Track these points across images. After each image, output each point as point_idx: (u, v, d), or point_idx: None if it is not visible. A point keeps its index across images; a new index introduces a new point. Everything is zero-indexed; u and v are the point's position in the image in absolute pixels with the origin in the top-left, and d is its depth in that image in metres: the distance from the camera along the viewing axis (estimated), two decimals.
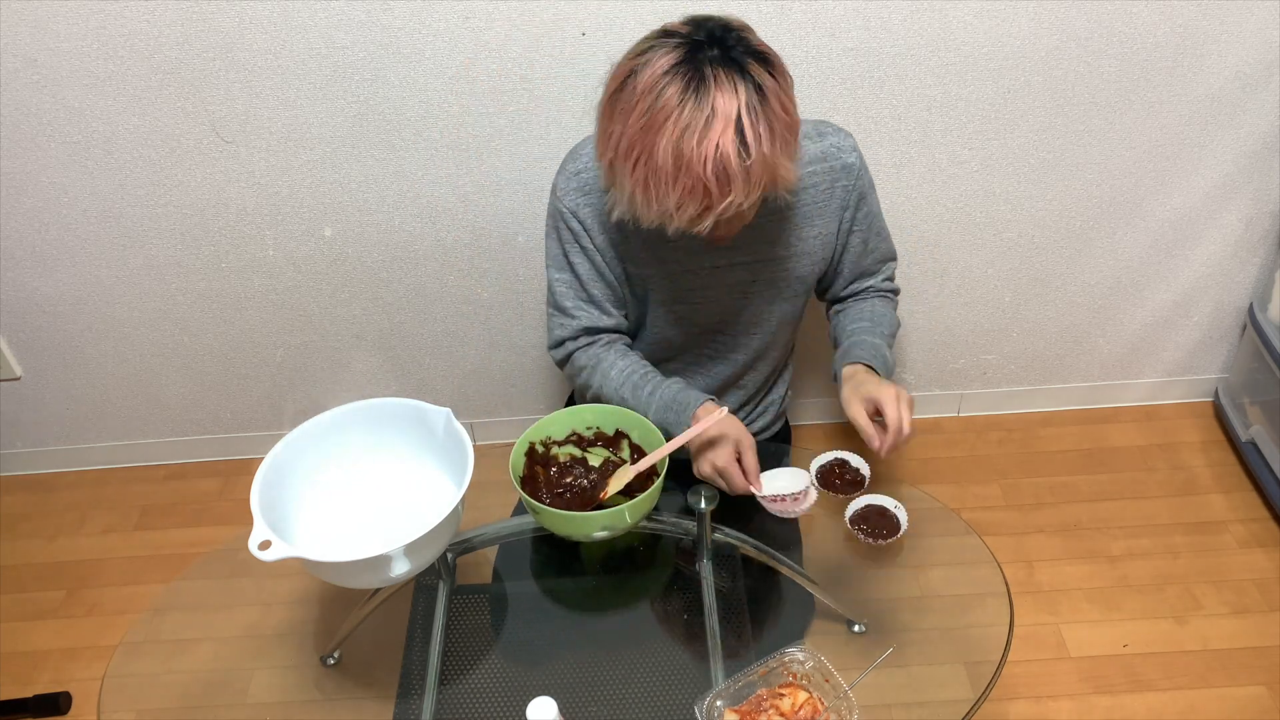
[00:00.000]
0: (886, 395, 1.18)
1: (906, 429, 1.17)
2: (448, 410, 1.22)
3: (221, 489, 2.23)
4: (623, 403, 1.33)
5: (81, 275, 1.93)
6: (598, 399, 1.37)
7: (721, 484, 1.25)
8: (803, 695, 1.05)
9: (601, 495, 1.25)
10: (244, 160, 1.77)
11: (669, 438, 1.24)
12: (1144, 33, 1.65)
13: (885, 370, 1.28)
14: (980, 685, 1.09)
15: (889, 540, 1.23)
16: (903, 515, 1.24)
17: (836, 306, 1.45)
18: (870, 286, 1.43)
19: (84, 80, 1.66)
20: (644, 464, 1.23)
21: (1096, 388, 2.21)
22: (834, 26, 1.63)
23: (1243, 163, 1.83)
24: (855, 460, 1.32)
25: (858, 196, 1.32)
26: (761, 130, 1.04)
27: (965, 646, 1.20)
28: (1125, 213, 1.90)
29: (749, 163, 1.04)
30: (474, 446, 1.17)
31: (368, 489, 1.27)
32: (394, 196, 1.83)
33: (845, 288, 1.42)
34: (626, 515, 1.18)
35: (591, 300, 1.37)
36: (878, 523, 1.24)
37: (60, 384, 2.12)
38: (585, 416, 1.31)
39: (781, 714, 1.04)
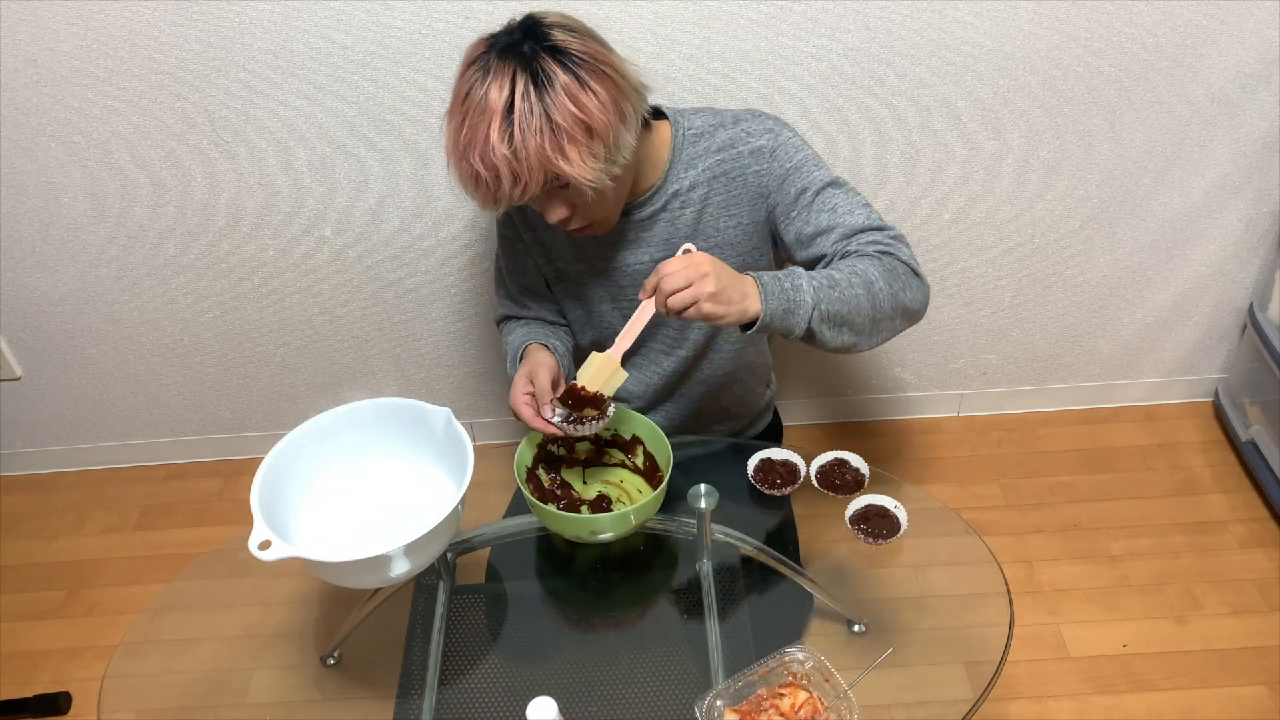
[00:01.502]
0: (690, 258, 1.07)
1: (662, 286, 1.07)
2: (448, 410, 1.22)
3: (221, 489, 2.23)
4: (508, 363, 1.42)
5: (81, 275, 1.93)
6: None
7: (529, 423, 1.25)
8: (803, 695, 1.05)
9: (583, 391, 1.20)
10: (244, 160, 1.77)
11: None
12: (1144, 33, 1.65)
13: (778, 300, 1.09)
14: (980, 685, 1.09)
15: (889, 540, 1.23)
16: (903, 515, 1.25)
17: None
18: (845, 252, 1.20)
19: (84, 80, 1.66)
20: (621, 339, 1.18)
21: (1096, 388, 2.21)
22: (834, 26, 1.63)
23: (1243, 163, 1.83)
24: (855, 460, 1.32)
25: (780, 178, 1.24)
26: (534, 123, 1.05)
27: (965, 646, 1.20)
28: (1125, 213, 1.90)
29: (513, 151, 1.06)
30: (474, 446, 1.17)
31: (368, 489, 1.27)
32: (394, 196, 1.83)
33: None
34: (631, 518, 1.18)
35: (509, 294, 1.47)
36: (878, 523, 1.24)
37: (60, 384, 2.12)
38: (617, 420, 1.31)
39: (781, 714, 1.04)
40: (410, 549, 1.09)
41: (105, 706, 1.17)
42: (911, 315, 1.21)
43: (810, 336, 1.12)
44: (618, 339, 1.18)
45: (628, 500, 1.30)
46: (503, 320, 1.51)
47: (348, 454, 1.26)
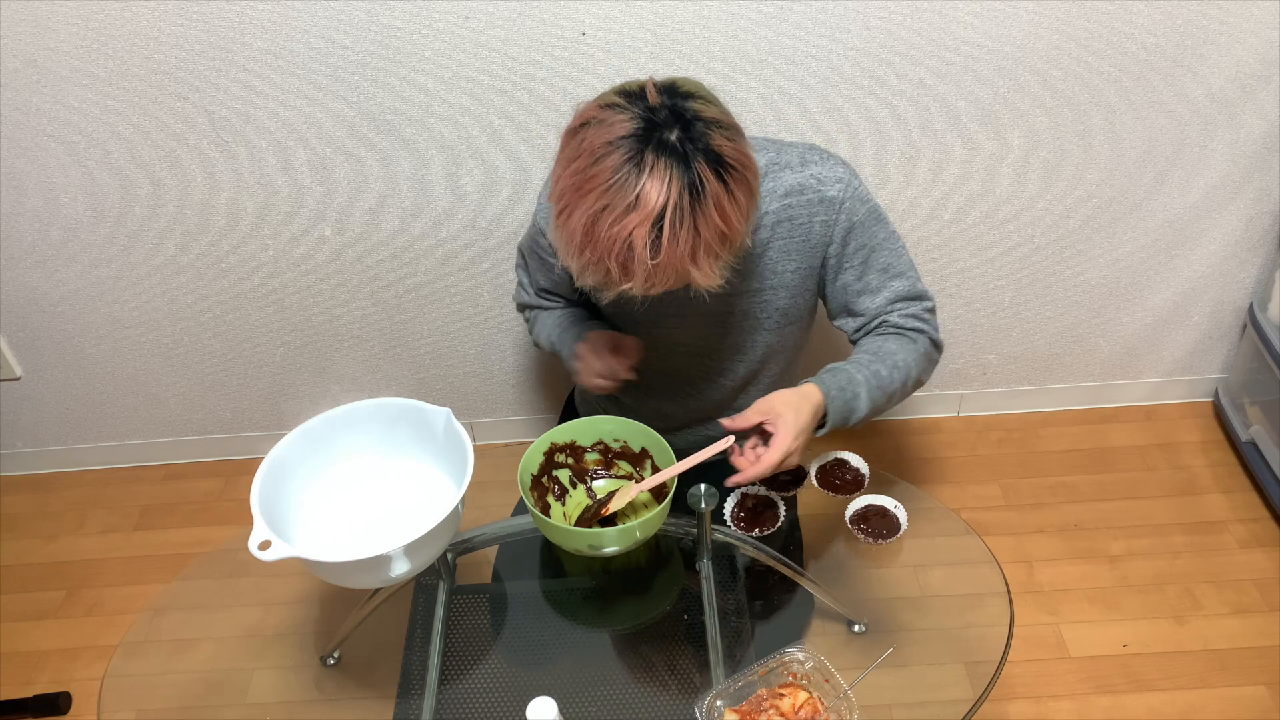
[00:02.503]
0: (779, 439, 1.13)
1: (749, 475, 1.14)
2: (448, 410, 1.22)
3: (221, 489, 2.23)
4: (551, 345, 1.42)
5: (81, 275, 1.93)
6: (538, 345, 1.46)
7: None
8: (803, 695, 1.05)
9: (604, 511, 1.25)
10: (244, 160, 1.77)
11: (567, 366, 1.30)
12: (1144, 33, 1.65)
13: (839, 410, 1.18)
14: (980, 685, 1.09)
15: (889, 540, 1.23)
16: (902, 515, 1.25)
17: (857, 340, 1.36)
18: (886, 322, 1.29)
19: (84, 80, 1.66)
20: (648, 484, 1.22)
21: (1096, 388, 2.21)
22: (834, 26, 1.63)
23: (1243, 163, 1.83)
24: (855, 460, 1.32)
25: (844, 231, 1.23)
26: (682, 233, 0.99)
27: (965, 646, 1.20)
28: (1125, 213, 1.90)
29: (656, 261, 0.99)
30: (474, 446, 1.17)
31: (367, 489, 1.27)
32: (394, 196, 1.83)
33: (860, 329, 1.31)
34: (637, 532, 1.17)
35: (538, 289, 1.46)
36: (878, 523, 1.24)
37: (60, 384, 2.12)
38: (606, 428, 1.30)
39: (781, 714, 1.04)
40: (410, 549, 1.09)
41: (105, 706, 1.17)
42: (920, 385, 1.33)
43: (853, 425, 1.24)
44: (676, 465, 1.21)
45: (633, 514, 1.30)
46: (528, 308, 1.51)
47: (348, 454, 1.26)
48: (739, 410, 1.43)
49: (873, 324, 1.30)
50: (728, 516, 1.27)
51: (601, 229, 0.99)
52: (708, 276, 1.04)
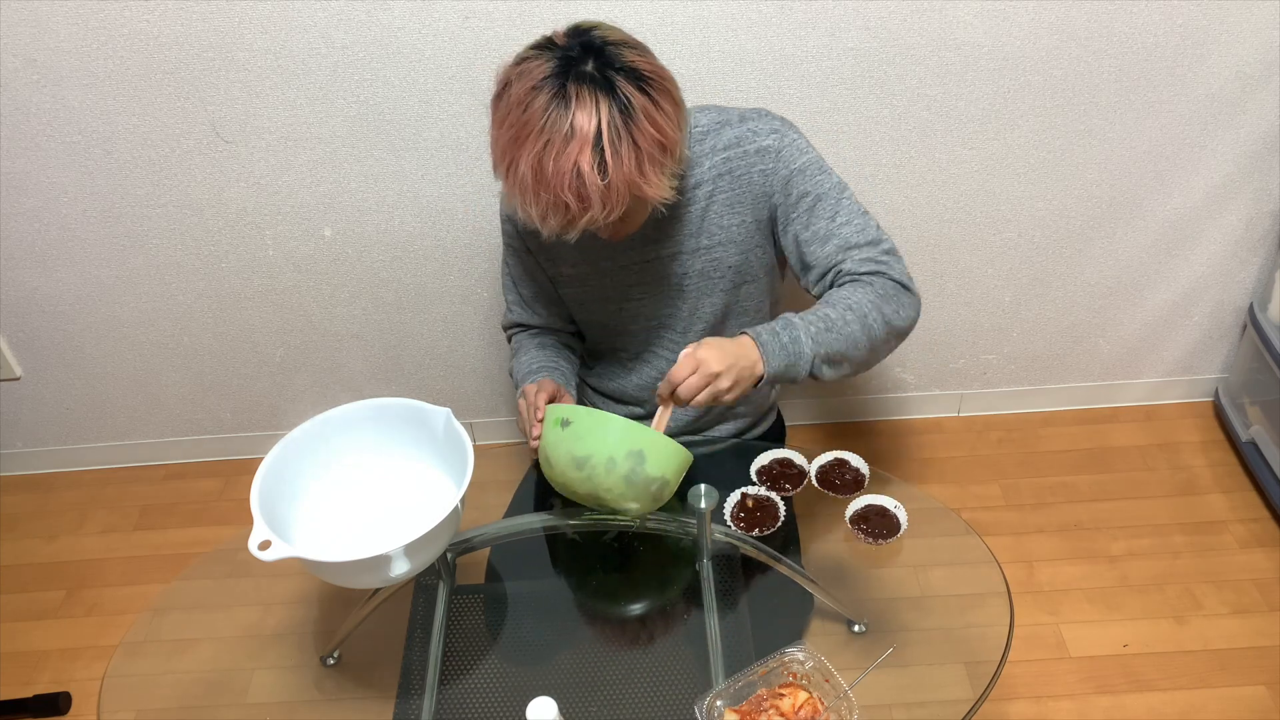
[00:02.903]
0: (692, 352, 1.12)
1: (671, 382, 1.12)
2: (448, 410, 1.22)
3: (221, 489, 2.23)
4: (517, 386, 1.42)
5: (81, 275, 1.93)
6: (515, 383, 1.45)
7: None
8: (803, 695, 1.05)
9: None
10: (244, 160, 1.77)
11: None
12: (1144, 33, 1.65)
13: (778, 352, 1.15)
14: (980, 685, 1.09)
15: (889, 540, 1.23)
16: (903, 515, 1.25)
17: None
18: (841, 272, 1.25)
19: (84, 80, 1.66)
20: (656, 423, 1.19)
21: (1096, 388, 2.21)
22: (834, 26, 1.63)
23: (1243, 163, 1.83)
24: (855, 460, 1.32)
25: (784, 179, 1.25)
26: (623, 149, 1.04)
27: (965, 646, 1.20)
28: (1125, 213, 1.90)
29: (607, 181, 1.04)
30: (474, 446, 1.17)
31: (368, 489, 1.27)
32: (394, 196, 1.83)
33: (818, 281, 1.28)
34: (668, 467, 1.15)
35: (522, 300, 1.46)
36: (878, 523, 1.24)
37: (60, 384, 2.12)
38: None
39: (781, 714, 1.04)
40: (410, 549, 1.09)
41: (105, 706, 1.17)
42: (903, 334, 1.25)
43: (813, 378, 1.19)
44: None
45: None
46: (513, 328, 1.51)
47: (348, 454, 1.26)
48: None
49: (828, 275, 1.26)
50: (727, 516, 1.27)
51: (548, 166, 1.04)
52: (657, 187, 1.09)
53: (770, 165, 1.25)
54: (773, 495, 1.29)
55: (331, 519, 1.23)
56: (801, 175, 1.25)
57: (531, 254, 1.40)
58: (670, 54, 1.64)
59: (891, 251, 1.26)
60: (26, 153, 1.75)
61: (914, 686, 1.15)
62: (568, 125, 1.03)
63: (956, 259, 1.96)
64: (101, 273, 1.93)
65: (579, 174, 1.04)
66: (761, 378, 1.15)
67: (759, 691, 1.06)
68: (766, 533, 1.26)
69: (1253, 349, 2.00)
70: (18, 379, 2.11)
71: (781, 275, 1.44)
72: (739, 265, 1.33)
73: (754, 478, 1.32)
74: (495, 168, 1.11)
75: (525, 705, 0.95)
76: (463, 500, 1.13)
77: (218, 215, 1.85)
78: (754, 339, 1.15)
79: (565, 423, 1.14)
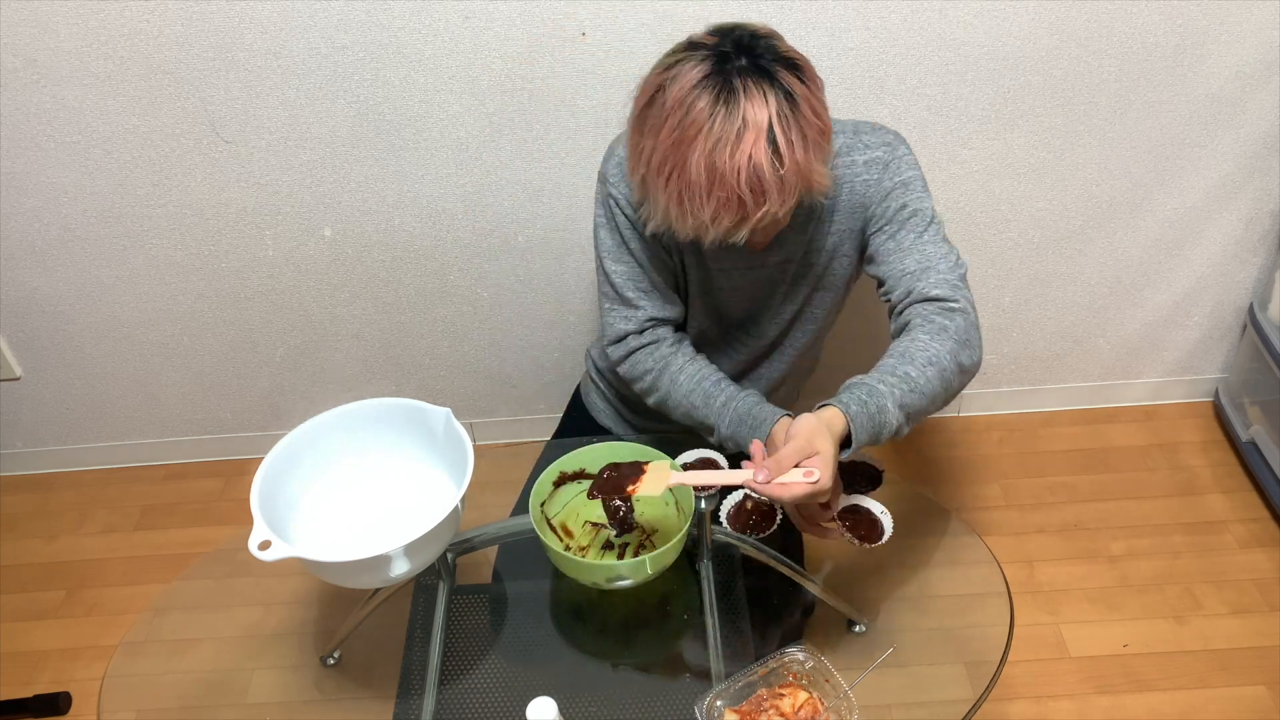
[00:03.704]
0: (823, 480, 1.04)
1: (779, 495, 1.05)
2: (448, 410, 1.22)
3: (221, 489, 2.23)
4: (691, 410, 1.29)
5: (81, 275, 1.93)
6: (662, 405, 1.33)
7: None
8: (803, 695, 1.05)
9: (630, 490, 1.17)
10: (244, 160, 1.77)
11: (739, 451, 1.21)
12: (1144, 33, 1.65)
13: (867, 429, 1.11)
14: (980, 685, 1.09)
15: (871, 545, 1.21)
16: (888, 522, 1.18)
17: (893, 325, 1.28)
18: (915, 290, 1.21)
19: (84, 80, 1.66)
20: (701, 479, 1.14)
21: (1096, 388, 2.21)
22: (834, 26, 1.63)
23: (1243, 163, 1.83)
24: (876, 507, 1.25)
25: (885, 191, 1.24)
26: (794, 137, 1.03)
27: (965, 646, 1.20)
28: (1125, 213, 1.90)
29: (783, 171, 1.03)
30: (474, 446, 1.17)
31: (367, 489, 1.27)
32: (394, 196, 1.83)
33: (893, 291, 1.24)
34: (647, 566, 1.14)
35: (654, 288, 1.32)
36: (862, 525, 1.23)
37: (60, 384, 2.12)
38: (619, 453, 1.25)
39: (781, 714, 1.04)
40: (410, 549, 1.09)
41: (105, 706, 1.17)
42: (972, 376, 1.22)
43: (895, 437, 1.15)
44: (692, 474, 1.14)
45: (649, 544, 1.27)
46: (649, 325, 1.33)
47: (348, 454, 1.26)
48: (757, 382, 1.44)
49: (899, 292, 1.22)
50: (724, 517, 1.27)
51: (723, 162, 1.02)
52: (822, 175, 1.08)
53: (876, 176, 1.24)
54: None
55: (331, 519, 1.23)
56: (904, 189, 1.24)
57: (656, 238, 1.28)
58: None
59: (965, 278, 1.23)
60: (26, 153, 1.75)
61: (914, 686, 1.15)
62: (740, 119, 1.01)
63: None
64: (101, 273, 1.93)
65: (755, 166, 1.02)
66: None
67: (759, 691, 1.06)
68: (766, 533, 1.26)
69: (1253, 349, 2.00)
70: (18, 379, 2.11)
71: (849, 289, 1.41)
72: (823, 272, 1.32)
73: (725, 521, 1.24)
74: (647, 179, 1.08)
75: (525, 705, 0.95)
76: (463, 500, 1.13)
77: (218, 215, 1.85)
78: (844, 413, 1.10)
79: (560, 559, 1.16)
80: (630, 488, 1.15)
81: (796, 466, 1.05)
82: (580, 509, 1.28)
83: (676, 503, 1.27)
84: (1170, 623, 1.78)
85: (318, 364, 2.10)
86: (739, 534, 1.26)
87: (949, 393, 1.18)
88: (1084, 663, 1.73)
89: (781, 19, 1.61)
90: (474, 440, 1.17)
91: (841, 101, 1.72)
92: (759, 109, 1.02)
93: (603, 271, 1.32)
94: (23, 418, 2.19)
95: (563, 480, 1.26)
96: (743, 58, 1.04)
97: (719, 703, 1.05)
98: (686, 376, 1.30)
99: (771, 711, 1.04)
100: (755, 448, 1.10)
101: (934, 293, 1.18)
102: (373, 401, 1.25)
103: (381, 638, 1.27)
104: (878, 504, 1.22)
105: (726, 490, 1.26)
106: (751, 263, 1.30)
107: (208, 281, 1.95)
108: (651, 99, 1.06)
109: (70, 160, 1.76)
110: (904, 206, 1.23)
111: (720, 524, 1.26)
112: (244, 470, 2.25)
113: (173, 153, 1.76)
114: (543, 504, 1.24)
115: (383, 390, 2.14)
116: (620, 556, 1.25)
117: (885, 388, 1.12)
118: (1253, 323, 1.99)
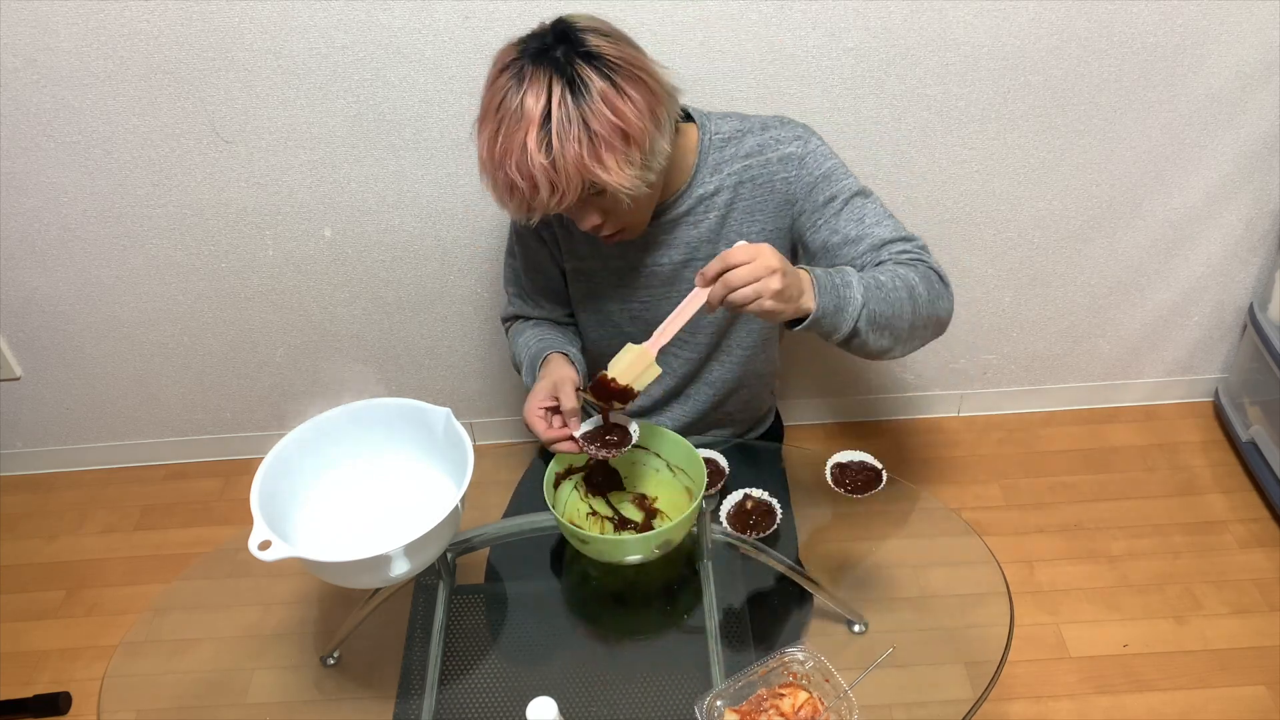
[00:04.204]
0: (766, 251, 1.01)
1: (729, 282, 1.01)
2: (448, 410, 1.22)
3: (221, 489, 2.23)
4: (515, 358, 1.42)
5: (81, 275, 1.93)
6: (516, 368, 1.43)
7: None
8: (803, 695, 1.05)
9: (612, 385, 1.13)
10: (244, 160, 1.77)
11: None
12: (1144, 33, 1.65)
13: (829, 290, 1.07)
14: (980, 685, 1.09)
15: (865, 495, 1.22)
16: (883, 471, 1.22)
17: None
18: (883, 264, 1.20)
19: (84, 80, 1.66)
20: (664, 329, 1.11)
21: (1096, 388, 2.21)
22: (834, 26, 1.63)
23: (1243, 163, 1.83)
24: (869, 459, 1.29)
25: (808, 187, 1.24)
26: (572, 131, 1.04)
27: (965, 646, 1.20)
28: (1125, 213, 1.90)
29: (552, 161, 1.04)
30: (474, 446, 1.17)
31: (367, 489, 1.27)
32: (394, 197, 1.83)
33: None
34: (654, 544, 1.15)
35: (523, 292, 1.45)
36: (858, 476, 1.24)
37: (60, 384, 2.12)
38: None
39: (781, 714, 1.04)
40: (410, 549, 1.09)
41: (105, 706, 1.17)
42: (941, 326, 1.21)
43: (853, 336, 1.10)
44: (658, 330, 1.11)
45: (662, 518, 1.28)
46: (511, 319, 1.50)
47: (347, 454, 1.26)
48: (713, 387, 1.45)
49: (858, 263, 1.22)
50: (724, 517, 1.27)
51: (499, 145, 1.06)
52: (617, 175, 1.07)
53: (794, 173, 1.25)
54: (771, 499, 1.28)
55: (331, 519, 1.23)
56: (826, 181, 1.24)
57: (546, 244, 1.37)
58: (670, 54, 1.64)
59: (925, 248, 1.23)
60: (26, 153, 1.75)
61: (914, 686, 1.15)
62: (518, 103, 1.05)
63: (956, 259, 1.96)
64: (101, 273, 1.93)
65: (525, 152, 1.04)
66: (808, 313, 1.06)
67: (759, 691, 1.06)
68: (765, 533, 1.26)
69: (1253, 349, 2.00)
70: (18, 379, 2.11)
71: None
72: None
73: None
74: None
75: (525, 705, 0.95)
76: (463, 500, 1.13)
77: (218, 215, 1.85)
78: (809, 273, 1.07)
79: (584, 542, 1.16)
80: (612, 384, 1.12)
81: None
82: (579, 504, 1.29)
83: (687, 489, 1.27)
84: (1170, 623, 1.78)
85: (318, 364, 2.10)
86: (739, 534, 1.26)
87: (915, 319, 1.14)
88: (1084, 663, 1.73)
89: (781, 19, 1.61)
90: (474, 440, 1.17)
91: (842, 102, 1.72)
92: (537, 98, 1.04)
93: (513, 243, 1.43)
94: (23, 418, 2.19)
95: (558, 481, 1.26)
96: (559, 48, 1.06)
97: (719, 703, 1.05)
98: (531, 331, 1.43)
99: (771, 711, 1.04)
100: (698, 276, 1.06)
101: (901, 259, 1.18)
102: (373, 401, 1.25)
103: (381, 638, 1.27)
104: (869, 455, 1.25)
105: (726, 490, 1.27)
106: (660, 260, 1.31)
107: (208, 281, 1.95)
108: (490, 76, 1.12)
109: (70, 160, 1.76)
110: (833, 198, 1.24)
111: (720, 524, 1.26)
112: (244, 470, 2.25)
113: (173, 153, 1.76)
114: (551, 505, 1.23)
115: (383, 390, 2.14)
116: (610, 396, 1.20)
117: (855, 272, 1.11)
118: (1253, 323, 1.99)
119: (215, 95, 1.69)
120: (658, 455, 1.29)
